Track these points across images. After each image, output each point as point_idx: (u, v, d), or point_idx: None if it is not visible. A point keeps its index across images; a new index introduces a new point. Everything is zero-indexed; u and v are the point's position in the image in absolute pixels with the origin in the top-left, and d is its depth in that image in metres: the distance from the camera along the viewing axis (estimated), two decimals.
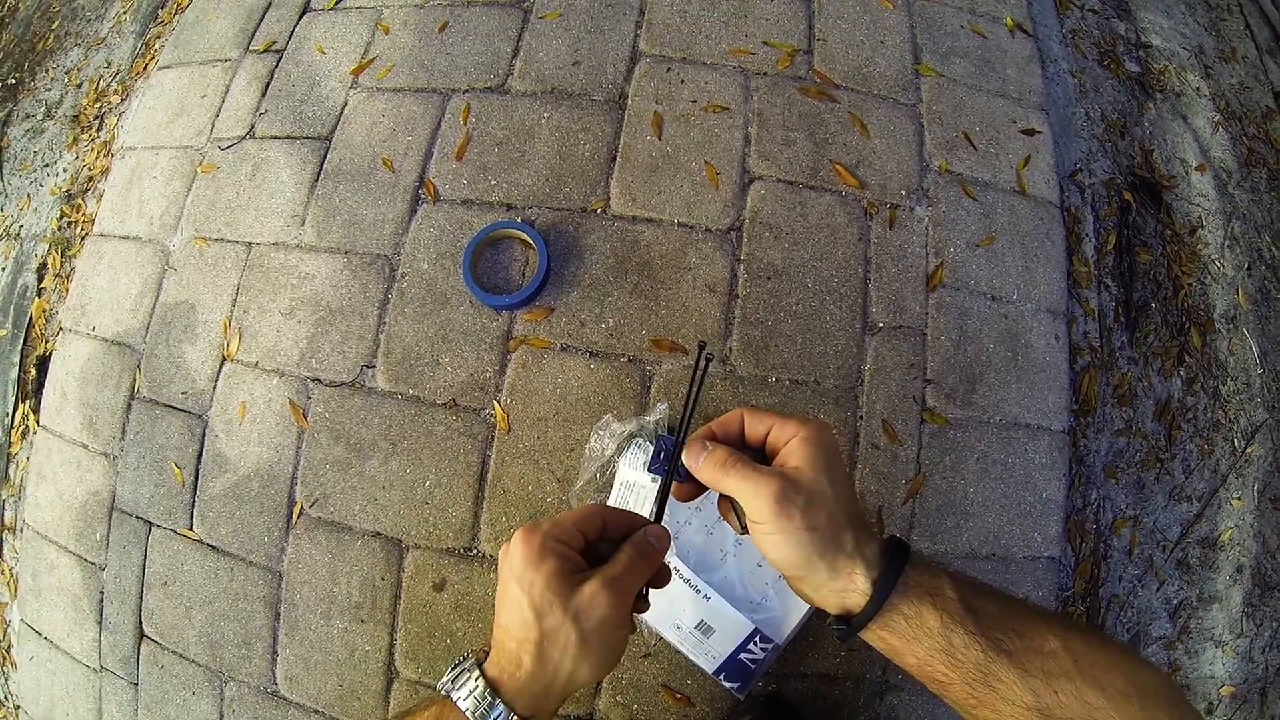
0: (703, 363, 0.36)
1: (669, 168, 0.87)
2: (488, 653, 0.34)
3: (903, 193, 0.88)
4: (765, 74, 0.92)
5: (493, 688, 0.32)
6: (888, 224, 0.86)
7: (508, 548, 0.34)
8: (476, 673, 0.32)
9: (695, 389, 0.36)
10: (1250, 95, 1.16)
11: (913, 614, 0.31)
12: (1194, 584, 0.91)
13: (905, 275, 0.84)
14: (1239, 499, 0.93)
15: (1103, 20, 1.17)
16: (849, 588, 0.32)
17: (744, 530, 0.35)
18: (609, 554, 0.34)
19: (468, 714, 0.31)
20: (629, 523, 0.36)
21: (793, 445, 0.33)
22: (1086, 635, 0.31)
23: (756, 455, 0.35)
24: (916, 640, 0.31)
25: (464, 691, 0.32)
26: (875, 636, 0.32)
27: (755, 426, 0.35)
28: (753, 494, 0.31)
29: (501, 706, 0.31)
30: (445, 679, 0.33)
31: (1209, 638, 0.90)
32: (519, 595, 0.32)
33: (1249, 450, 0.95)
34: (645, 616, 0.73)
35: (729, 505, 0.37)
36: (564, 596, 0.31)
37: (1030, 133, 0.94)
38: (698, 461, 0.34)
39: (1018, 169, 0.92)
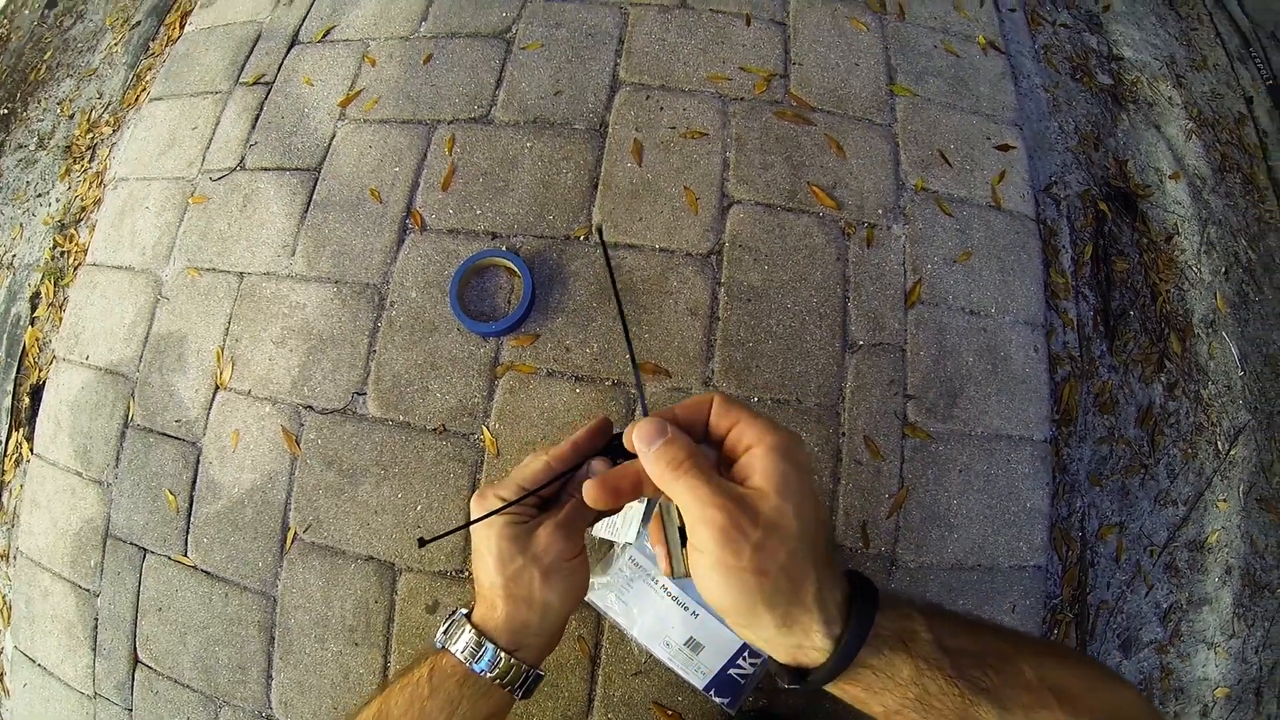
0: (596, 237, 0.36)
1: (649, 194, 0.89)
2: (473, 608, 0.38)
3: (880, 212, 0.90)
4: (742, 99, 0.94)
5: (478, 630, 0.35)
6: (865, 243, 0.88)
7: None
8: (465, 623, 0.36)
9: (609, 265, 0.37)
10: (1222, 102, 1.18)
11: (882, 665, 0.27)
12: (1183, 587, 0.92)
13: (884, 293, 0.86)
14: (1225, 501, 0.94)
15: (1074, 35, 1.19)
16: (804, 644, 0.27)
17: (674, 572, 0.29)
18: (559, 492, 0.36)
19: (462, 657, 0.35)
20: (571, 459, 0.35)
21: (756, 455, 0.28)
22: (1061, 660, 0.29)
23: (720, 457, 0.30)
24: (886, 691, 0.27)
25: (457, 641, 0.35)
26: (836, 689, 0.28)
27: (720, 419, 0.30)
28: (698, 514, 0.26)
29: (489, 644, 0.35)
30: (439, 634, 0.37)
31: (1201, 640, 0.90)
32: (482, 551, 0.35)
33: (1233, 452, 0.96)
34: (635, 633, 0.74)
35: (662, 529, 0.31)
36: (520, 543, 0.34)
37: (1004, 148, 0.96)
38: (650, 448, 0.28)
39: (993, 184, 0.94)
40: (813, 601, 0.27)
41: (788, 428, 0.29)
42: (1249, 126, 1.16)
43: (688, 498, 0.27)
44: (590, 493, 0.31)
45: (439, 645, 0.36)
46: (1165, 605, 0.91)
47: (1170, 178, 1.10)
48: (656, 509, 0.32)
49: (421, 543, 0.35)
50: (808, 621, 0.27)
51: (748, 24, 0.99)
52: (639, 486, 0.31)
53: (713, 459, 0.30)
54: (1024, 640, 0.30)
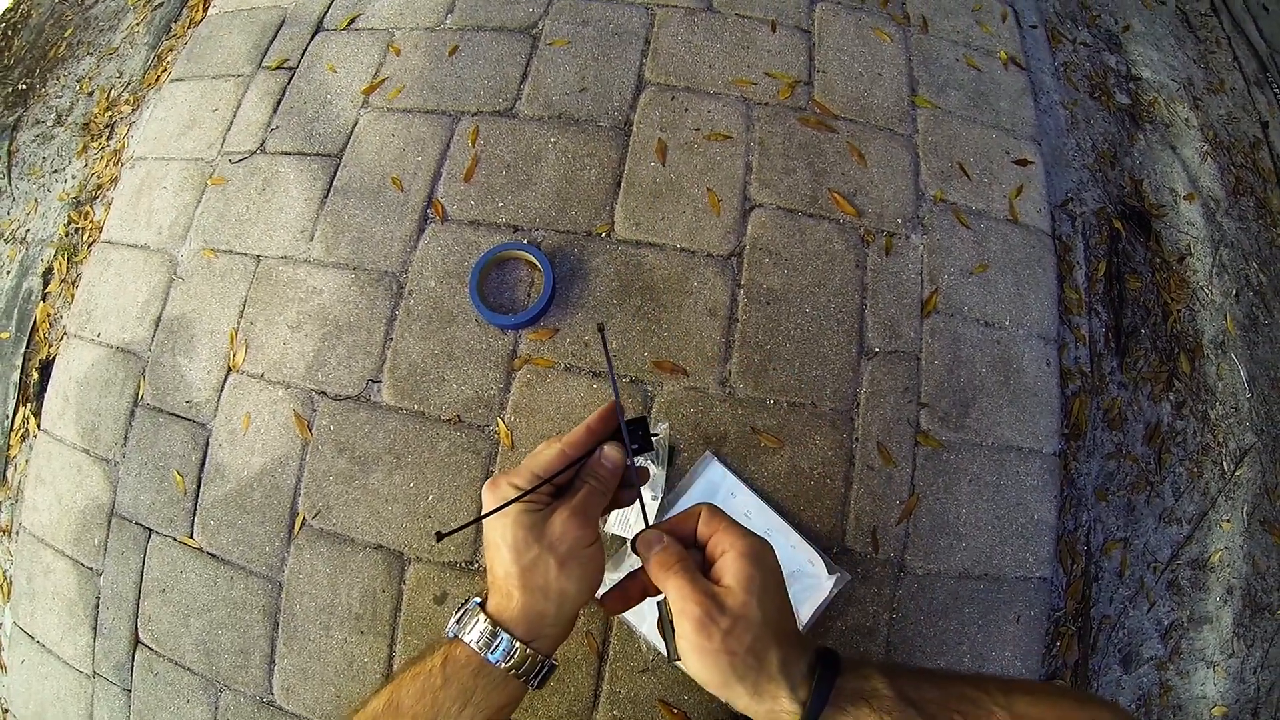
0: (599, 334, 0.38)
1: (672, 194, 0.89)
2: (486, 597, 0.38)
3: (899, 221, 0.90)
4: (766, 104, 0.95)
5: (493, 620, 0.35)
6: (884, 251, 0.88)
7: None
8: (480, 613, 0.36)
9: (609, 360, 0.41)
10: (1238, 125, 1.19)
11: None
12: (1185, 605, 0.92)
13: (901, 301, 0.86)
14: (1228, 521, 0.95)
15: (1094, 53, 1.20)
16: (775, 709, 0.32)
17: (670, 657, 0.35)
18: (572, 479, 0.38)
19: (476, 647, 0.35)
20: (585, 443, 0.38)
21: (728, 559, 0.34)
22: (1030, 694, 0.31)
23: (704, 559, 0.36)
24: None
25: (472, 631, 0.35)
26: None
27: (705, 527, 0.36)
28: (680, 607, 0.32)
29: (504, 634, 0.35)
30: (451, 623, 0.37)
31: (1200, 658, 0.91)
32: (496, 541, 0.36)
33: (1238, 473, 0.97)
34: (643, 630, 0.74)
35: (664, 619, 0.36)
36: (536, 531, 0.35)
37: (1023, 163, 0.97)
38: (650, 553, 0.35)
39: (1010, 198, 0.94)
40: (778, 673, 0.32)
41: (757, 535, 0.35)
42: (1264, 151, 1.17)
43: (674, 594, 0.33)
44: (608, 605, 0.38)
45: (451, 635, 0.36)
46: (1166, 622, 0.92)
47: (1185, 199, 1.11)
48: (659, 608, 0.37)
49: (439, 536, 0.35)
50: (775, 690, 0.32)
51: (773, 30, 1.00)
52: (645, 590, 0.38)
53: (698, 560, 0.36)
54: (991, 682, 0.33)
